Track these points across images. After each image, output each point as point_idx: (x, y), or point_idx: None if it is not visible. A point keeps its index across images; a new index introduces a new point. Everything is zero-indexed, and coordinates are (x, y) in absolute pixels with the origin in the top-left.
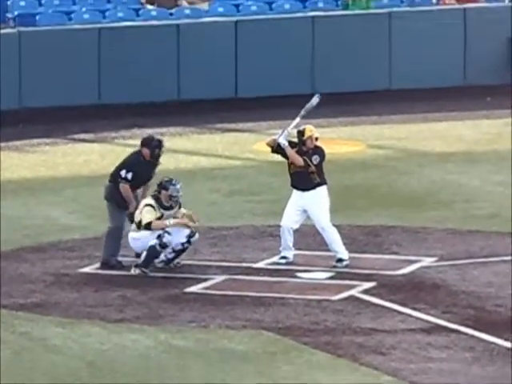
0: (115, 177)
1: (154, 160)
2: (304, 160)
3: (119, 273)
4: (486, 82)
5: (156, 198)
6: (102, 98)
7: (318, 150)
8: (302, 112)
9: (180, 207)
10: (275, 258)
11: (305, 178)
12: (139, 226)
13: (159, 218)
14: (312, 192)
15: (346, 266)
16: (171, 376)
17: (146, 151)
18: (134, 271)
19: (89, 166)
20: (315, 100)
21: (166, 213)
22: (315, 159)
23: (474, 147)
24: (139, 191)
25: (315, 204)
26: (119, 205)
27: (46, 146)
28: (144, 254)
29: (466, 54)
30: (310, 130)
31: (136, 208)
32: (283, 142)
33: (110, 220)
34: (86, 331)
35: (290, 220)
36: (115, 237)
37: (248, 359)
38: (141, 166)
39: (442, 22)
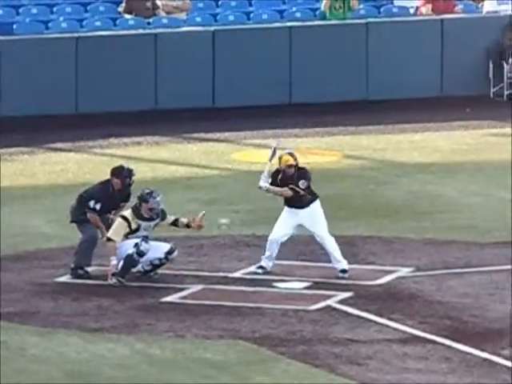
0: (82, 202)
1: (125, 189)
2: (291, 189)
3: (96, 282)
4: (464, 93)
5: (136, 209)
6: (79, 107)
7: (303, 173)
8: (270, 157)
9: (164, 218)
10: (252, 268)
11: (297, 199)
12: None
13: (136, 230)
14: (307, 209)
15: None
16: None
17: (116, 181)
18: (110, 280)
19: (66, 175)
20: (276, 145)
21: (144, 224)
22: (302, 184)
23: (451, 158)
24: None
25: (312, 219)
26: (84, 219)
27: (24, 155)
28: (121, 263)
29: (443, 65)
30: (286, 160)
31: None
32: (264, 185)
33: (83, 234)
34: (63, 340)
35: (281, 234)
36: (88, 246)
37: (225, 369)
38: (110, 196)
39: (419, 32)
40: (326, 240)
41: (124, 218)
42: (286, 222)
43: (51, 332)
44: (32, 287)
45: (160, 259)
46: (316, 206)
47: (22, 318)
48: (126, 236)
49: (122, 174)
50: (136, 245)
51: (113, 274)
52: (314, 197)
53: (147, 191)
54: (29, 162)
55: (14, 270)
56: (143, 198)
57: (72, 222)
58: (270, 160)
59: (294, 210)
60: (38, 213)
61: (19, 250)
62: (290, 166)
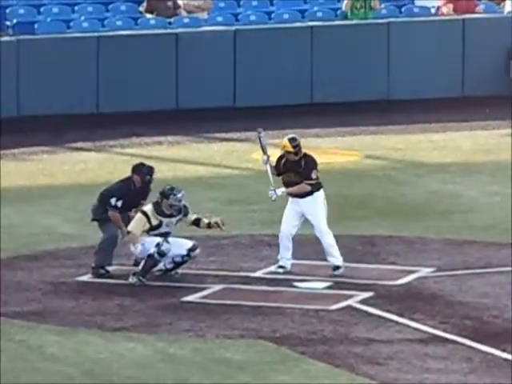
0: (104, 200)
1: (145, 186)
2: (309, 184)
3: (117, 281)
4: (485, 93)
5: (157, 204)
6: (101, 106)
7: (313, 162)
8: (261, 149)
9: (186, 214)
10: (272, 268)
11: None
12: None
13: (158, 226)
14: (310, 198)
15: (342, 273)
16: None
17: (137, 178)
18: (131, 280)
19: (87, 174)
20: (261, 135)
21: (166, 220)
22: (314, 173)
23: (471, 158)
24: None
25: (314, 209)
26: (106, 217)
27: (44, 155)
28: (142, 263)
29: (464, 65)
30: (284, 145)
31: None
32: (278, 194)
33: (103, 233)
34: (83, 339)
35: (289, 226)
36: (109, 245)
37: (245, 368)
38: (131, 193)
39: (440, 32)
40: (323, 233)
41: (143, 213)
42: (290, 212)
43: (71, 331)
44: (52, 286)
45: (182, 256)
46: (319, 195)
47: (41, 317)
48: (148, 232)
49: (142, 170)
50: (157, 244)
51: (134, 274)
52: (318, 186)
53: (168, 187)
54: (49, 161)
55: (34, 269)
56: (164, 194)
57: (93, 220)
58: (264, 152)
59: (296, 199)
60: (59, 212)
61: (39, 250)
62: (289, 153)
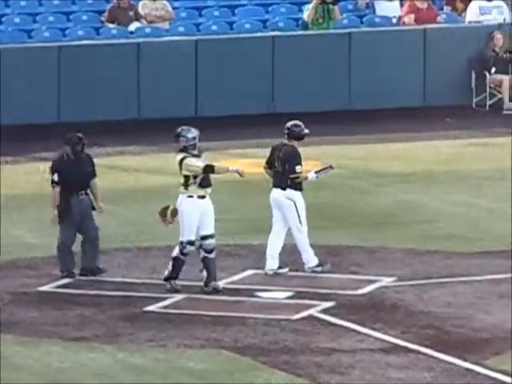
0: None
1: (79, 156)
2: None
3: (78, 291)
4: (446, 103)
5: (182, 150)
6: (62, 116)
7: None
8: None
9: (200, 153)
10: (236, 277)
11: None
12: (187, 185)
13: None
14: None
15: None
16: None
17: (67, 148)
18: (168, 285)
19: (50, 184)
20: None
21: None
22: None
23: (433, 167)
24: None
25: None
26: (60, 216)
27: (7, 165)
28: (170, 266)
29: (425, 75)
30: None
31: (58, 213)
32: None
33: (58, 233)
34: (45, 349)
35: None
36: (58, 249)
37: (207, 378)
38: (65, 165)
39: (401, 42)
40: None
41: (184, 157)
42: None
43: (33, 341)
44: (14, 296)
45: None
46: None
47: (3, 327)
48: (195, 177)
49: (71, 141)
50: (181, 243)
51: (165, 280)
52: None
53: (179, 129)
54: (13, 171)
55: None
56: (176, 135)
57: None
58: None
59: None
60: (23, 222)
61: (1, 260)
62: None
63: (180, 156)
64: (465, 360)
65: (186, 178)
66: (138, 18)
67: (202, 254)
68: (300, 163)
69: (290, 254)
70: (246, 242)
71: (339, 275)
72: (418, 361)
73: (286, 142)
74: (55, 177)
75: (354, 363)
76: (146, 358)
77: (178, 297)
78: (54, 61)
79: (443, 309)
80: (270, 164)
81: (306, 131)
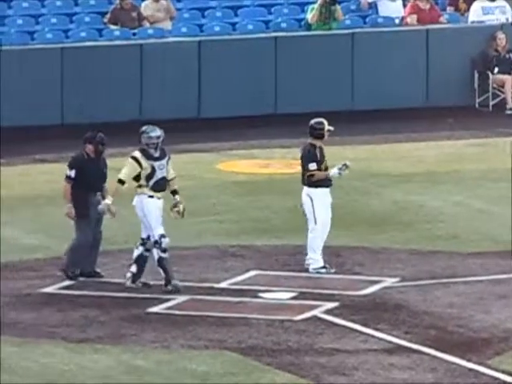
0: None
1: (99, 156)
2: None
3: (81, 293)
4: (449, 103)
5: (143, 150)
6: (65, 118)
7: None
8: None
9: (169, 158)
10: (239, 278)
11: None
12: (140, 186)
13: (152, 172)
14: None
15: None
16: None
17: (89, 147)
18: (131, 284)
19: (50, 185)
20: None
21: (157, 164)
22: None
23: (435, 168)
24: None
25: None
26: (78, 214)
27: (6, 166)
28: (134, 267)
29: (428, 75)
30: (325, 122)
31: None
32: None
33: (76, 234)
34: (48, 351)
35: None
36: (73, 249)
37: (210, 380)
38: (85, 163)
39: (404, 42)
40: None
41: (133, 157)
42: (327, 204)
43: (35, 342)
44: (15, 298)
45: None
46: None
47: (6, 329)
48: (147, 179)
49: (94, 139)
50: (157, 242)
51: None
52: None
53: (144, 127)
54: (10, 172)
55: None
56: (140, 133)
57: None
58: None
59: (327, 190)
60: (22, 224)
61: (1, 261)
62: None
63: (133, 154)
64: (468, 360)
65: (136, 178)
66: (141, 19)
67: (158, 254)
68: (314, 160)
69: (291, 255)
70: (249, 243)
71: (342, 276)
72: (421, 361)
73: (308, 140)
74: (72, 173)
75: (357, 364)
76: (150, 360)
77: (182, 298)
78: (56, 62)
79: (446, 309)
80: None
81: (328, 128)
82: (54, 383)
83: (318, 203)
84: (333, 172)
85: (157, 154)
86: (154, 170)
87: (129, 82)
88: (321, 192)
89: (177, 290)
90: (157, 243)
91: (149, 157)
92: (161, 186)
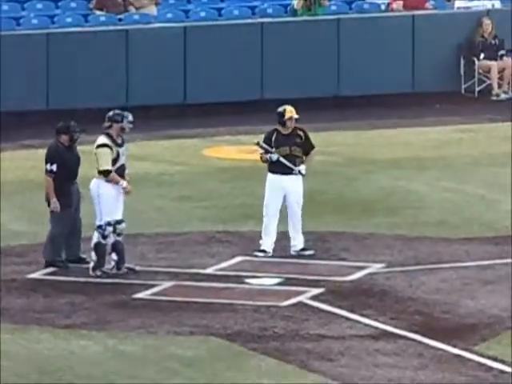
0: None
1: (73, 144)
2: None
3: (67, 279)
4: (435, 89)
5: (108, 135)
6: (50, 103)
7: (305, 130)
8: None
9: (123, 142)
10: (224, 264)
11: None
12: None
13: (116, 158)
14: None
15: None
16: (119, 382)
17: (64, 138)
18: (93, 274)
19: (36, 171)
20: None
21: (121, 150)
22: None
23: (422, 154)
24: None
25: (299, 185)
26: (62, 205)
27: None
28: (93, 255)
29: (414, 61)
30: (290, 110)
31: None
32: (274, 158)
33: (51, 221)
34: (34, 337)
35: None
36: (53, 239)
37: (196, 365)
38: (63, 154)
39: (390, 28)
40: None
41: (104, 145)
42: (278, 194)
43: (22, 328)
44: (3, 284)
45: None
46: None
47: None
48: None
49: (68, 129)
50: (100, 227)
51: (93, 269)
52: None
53: (117, 111)
54: None
55: None
56: (114, 119)
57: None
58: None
59: (281, 177)
60: (8, 209)
61: None
62: (292, 119)
63: (101, 141)
64: (454, 346)
65: None
66: (126, 4)
67: (114, 238)
68: (267, 143)
69: (276, 241)
70: (235, 229)
71: (328, 261)
72: (407, 347)
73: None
74: (54, 167)
75: (343, 350)
76: (136, 345)
77: (167, 284)
78: (42, 48)
79: (432, 295)
80: None
81: (291, 116)
82: (43, 369)
83: (267, 186)
84: (268, 156)
85: (120, 140)
86: (118, 155)
87: (115, 67)
88: (273, 178)
89: (133, 271)
90: (100, 227)
91: (115, 143)
92: (123, 171)
